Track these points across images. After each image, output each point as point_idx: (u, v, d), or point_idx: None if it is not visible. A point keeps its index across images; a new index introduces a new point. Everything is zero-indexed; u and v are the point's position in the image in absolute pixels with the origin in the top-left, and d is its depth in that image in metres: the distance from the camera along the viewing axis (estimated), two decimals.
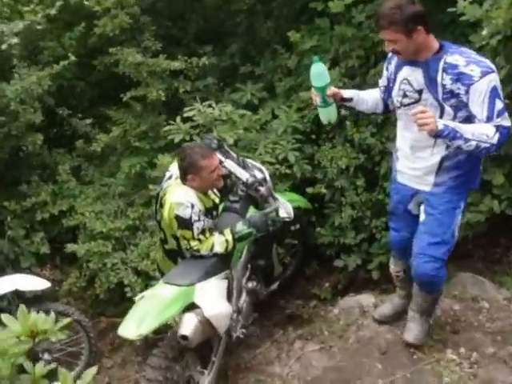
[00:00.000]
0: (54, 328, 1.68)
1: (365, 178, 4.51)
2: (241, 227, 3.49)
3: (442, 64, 2.91)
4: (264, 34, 5.30)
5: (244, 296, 3.79)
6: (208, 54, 5.14)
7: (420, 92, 3.03)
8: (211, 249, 3.42)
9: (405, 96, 3.10)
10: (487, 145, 2.85)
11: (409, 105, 3.09)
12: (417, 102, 3.04)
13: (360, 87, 4.62)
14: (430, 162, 3.14)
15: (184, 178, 3.38)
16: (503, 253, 4.52)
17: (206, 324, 3.15)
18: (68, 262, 4.99)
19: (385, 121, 4.47)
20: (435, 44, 2.96)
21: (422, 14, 2.89)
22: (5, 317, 1.70)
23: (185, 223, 3.33)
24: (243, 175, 3.83)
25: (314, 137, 4.69)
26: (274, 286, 4.40)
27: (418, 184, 3.25)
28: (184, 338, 3.09)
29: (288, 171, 4.39)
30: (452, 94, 2.91)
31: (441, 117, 2.97)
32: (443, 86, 2.92)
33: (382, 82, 3.35)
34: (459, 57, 2.89)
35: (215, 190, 3.66)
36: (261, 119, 4.72)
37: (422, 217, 3.27)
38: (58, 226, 4.96)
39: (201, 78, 5.15)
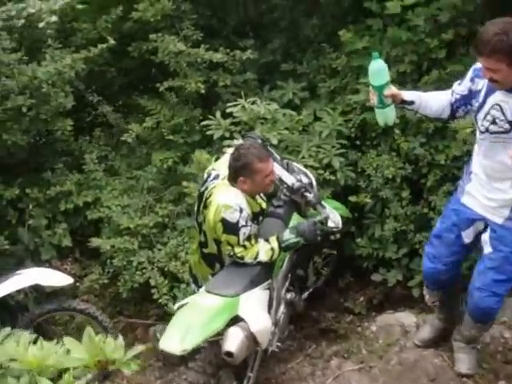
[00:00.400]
0: (124, 357, 1.42)
1: (410, 190, 4.28)
2: (288, 235, 3.25)
3: None
4: (308, 31, 5.05)
5: (282, 307, 3.55)
6: (249, 48, 4.89)
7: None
8: (256, 257, 3.19)
9: (494, 123, 2.83)
10: None
11: (496, 133, 2.83)
12: (506, 132, 2.79)
13: None
14: (509, 196, 2.90)
15: (234, 179, 3.14)
16: None
17: (251, 339, 2.92)
18: (89, 256, 4.73)
19: (435, 131, 4.23)
20: None
21: None
22: (68, 341, 1.44)
23: (231, 228, 3.10)
24: (289, 179, 3.59)
25: (358, 142, 4.46)
26: (305, 295, 4.16)
27: (490, 214, 3.00)
28: (229, 354, 2.85)
29: (331, 177, 4.15)
30: None
31: None
32: None
33: (461, 89, 3.02)
34: None
35: (262, 194, 3.42)
36: (303, 120, 4.47)
37: (489, 250, 3.03)
38: (81, 218, 4.70)
39: (240, 73, 4.89)
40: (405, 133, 4.30)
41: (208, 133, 4.27)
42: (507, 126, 2.77)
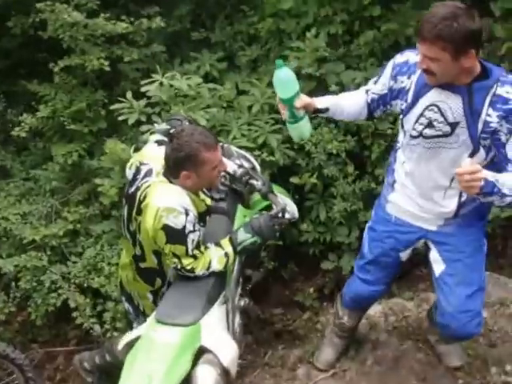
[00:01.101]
0: None
1: (353, 165, 3.86)
2: (243, 236, 2.70)
3: (490, 96, 2.22)
4: None
5: (237, 318, 3.00)
6: (153, 17, 4.22)
7: (455, 125, 2.29)
8: (208, 267, 2.61)
9: (429, 126, 2.35)
10: None
11: (433, 137, 2.36)
12: (445, 136, 2.33)
13: (344, 59, 4.02)
14: (442, 209, 2.49)
15: (175, 173, 2.54)
16: (505, 244, 4.06)
17: (224, 375, 2.36)
18: None
19: None
20: (477, 66, 2.25)
21: (479, 33, 2.16)
22: None
23: (177, 235, 2.50)
24: (228, 165, 3.02)
25: None
26: None
27: (427, 223, 2.58)
28: None
29: (271, 158, 3.63)
30: (491, 134, 2.25)
31: (471, 157, 2.31)
32: (486, 122, 2.24)
33: (378, 88, 2.56)
34: (511, 88, 2.22)
35: (205, 189, 2.84)
36: (227, 95, 3.90)
37: (442, 267, 2.59)
38: None
39: (146, 46, 4.21)
40: None
41: (120, 118, 3.60)
42: (447, 128, 2.32)
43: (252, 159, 3.23)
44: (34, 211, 3.82)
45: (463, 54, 2.13)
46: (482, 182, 2.08)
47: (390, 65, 2.51)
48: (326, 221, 3.86)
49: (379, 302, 3.56)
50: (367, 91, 2.62)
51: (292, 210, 3.09)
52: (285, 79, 2.45)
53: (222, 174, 2.96)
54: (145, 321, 2.88)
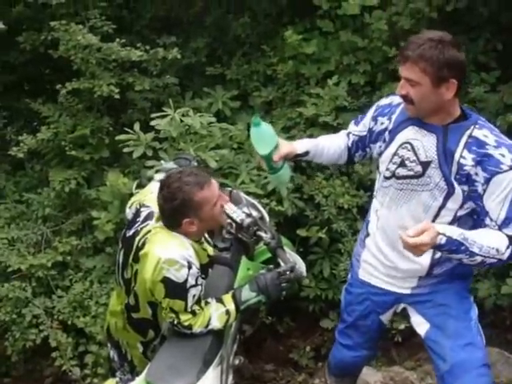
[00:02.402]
0: None
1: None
2: (248, 294, 2.49)
3: (466, 137, 2.11)
4: (239, 30, 4.31)
5: (230, 378, 2.77)
6: (169, 47, 4.07)
7: (426, 165, 2.18)
8: (207, 324, 2.40)
9: (402, 165, 2.24)
10: (494, 260, 2.11)
11: (404, 178, 2.24)
12: (417, 177, 2.20)
13: (364, 109, 3.87)
14: (415, 265, 2.33)
15: (175, 223, 2.33)
16: None
17: None
18: None
19: None
20: (457, 109, 2.17)
21: (463, 66, 2.10)
22: None
23: (177, 290, 2.29)
24: (236, 213, 2.81)
25: (303, 164, 3.77)
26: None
27: (395, 286, 2.44)
28: None
29: (279, 208, 3.45)
30: (466, 179, 2.13)
31: (445, 203, 2.19)
32: (460, 165, 2.11)
33: (358, 129, 2.50)
34: (489, 133, 2.11)
35: (207, 235, 2.63)
36: (238, 136, 3.73)
37: (426, 327, 2.41)
38: None
39: (158, 76, 4.05)
40: None
41: (125, 150, 3.41)
42: (419, 168, 2.19)
43: (261, 209, 3.05)
44: (23, 237, 3.59)
45: (444, 81, 2.04)
46: (444, 240, 2.00)
47: (373, 107, 2.46)
48: (329, 277, 3.67)
49: (378, 369, 3.38)
50: (348, 134, 2.54)
51: (301, 267, 2.88)
52: (262, 136, 2.42)
53: (228, 221, 2.78)
54: (130, 371, 2.67)
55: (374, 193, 2.47)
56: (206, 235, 2.62)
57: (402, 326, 3.45)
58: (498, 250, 2.09)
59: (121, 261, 2.51)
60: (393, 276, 2.42)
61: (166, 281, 2.27)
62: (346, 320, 2.69)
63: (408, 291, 2.41)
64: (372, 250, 2.48)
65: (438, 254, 2.27)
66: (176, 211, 2.31)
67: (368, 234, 2.49)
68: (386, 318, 2.58)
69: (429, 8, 3.63)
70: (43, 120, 3.86)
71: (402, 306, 2.50)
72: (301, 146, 2.52)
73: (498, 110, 3.62)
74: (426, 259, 2.30)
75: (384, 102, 2.42)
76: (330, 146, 2.56)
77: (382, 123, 2.35)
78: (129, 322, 2.55)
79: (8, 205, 3.80)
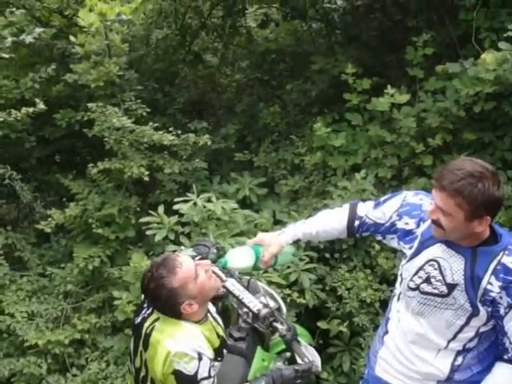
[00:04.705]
0: None
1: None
2: None
3: (494, 263, 2.06)
4: (269, 118, 4.42)
5: None
6: (200, 132, 4.18)
7: (452, 287, 2.11)
8: None
9: (427, 282, 2.17)
10: None
11: (429, 294, 2.18)
12: (442, 296, 2.14)
13: None
14: (435, 369, 2.26)
15: (176, 314, 2.31)
16: None
17: None
18: None
19: None
20: (487, 232, 2.10)
21: (499, 203, 2.03)
22: None
23: (188, 382, 2.25)
24: (252, 303, 2.78)
25: (327, 255, 3.76)
26: None
27: None
28: None
29: (301, 300, 3.42)
30: (491, 303, 2.08)
31: (468, 322, 2.14)
32: (486, 290, 2.06)
33: (377, 215, 2.38)
34: None
35: (214, 314, 2.59)
36: (264, 224, 3.75)
37: None
38: None
39: (188, 160, 4.13)
40: (383, 247, 3.68)
41: (148, 232, 3.45)
42: (444, 289, 2.13)
43: (279, 299, 3.01)
44: (43, 312, 3.59)
45: (478, 217, 1.97)
46: None
47: (398, 198, 2.34)
48: (348, 372, 3.58)
49: None
50: (358, 216, 2.43)
51: (315, 362, 2.83)
52: (236, 264, 2.56)
53: (245, 310, 2.77)
54: None
55: (396, 291, 2.40)
56: (214, 314, 2.59)
57: None
58: None
59: (132, 349, 2.48)
60: (410, 377, 2.34)
61: (177, 373, 2.22)
62: None
63: None
64: (390, 348, 2.41)
65: (459, 361, 2.23)
66: (168, 305, 2.28)
67: (387, 332, 2.44)
68: None
69: (457, 107, 3.69)
70: (72, 195, 3.94)
71: None
72: (290, 235, 2.51)
73: None
74: (446, 364, 2.25)
75: (413, 200, 2.31)
76: (326, 228, 2.50)
77: (407, 223, 2.27)
78: None
79: (31, 277, 3.82)
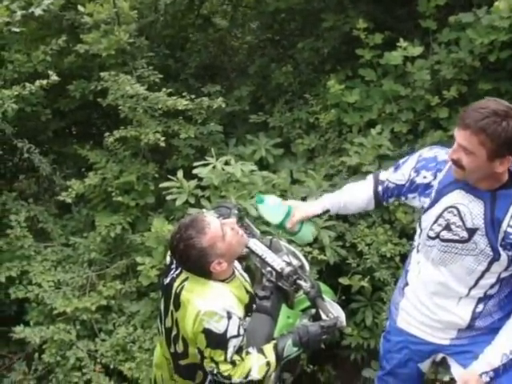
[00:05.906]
0: None
1: None
2: (290, 349, 2.47)
3: None
4: (282, 78, 4.39)
5: None
6: (214, 95, 4.17)
7: (472, 232, 2.14)
8: (247, 375, 2.39)
9: (447, 229, 2.20)
10: None
11: (449, 241, 2.20)
12: (462, 241, 2.17)
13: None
14: (456, 317, 2.31)
15: (207, 274, 2.35)
16: None
17: None
18: (8, 344, 3.76)
19: None
20: (506, 175, 2.11)
21: None
22: None
23: (217, 340, 2.29)
24: (276, 262, 2.82)
25: None
26: None
27: (439, 338, 2.41)
28: None
29: (322, 256, 3.44)
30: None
31: (489, 267, 2.16)
32: (507, 233, 2.08)
33: (397, 177, 2.43)
34: None
35: (241, 271, 2.63)
36: (282, 184, 3.76)
37: None
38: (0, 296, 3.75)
39: (203, 124, 4.13)
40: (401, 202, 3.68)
41: (168, 197, 3.48)
42: (465, 234, 2.15)
43: (301, 257, 3.03)
44: (69, 280, 3.66)
45: (500, 156, 1.99)
46: (490, 375, 2.15)
47: (414, 157, 2.39)
48: (371, 326, 3.63)
49: None
50: (380, 181, 2.50)
51: (340, 317, 2.86)
52: (269, 210, 2.59)
53: (268, 269, 2.81)
54: None
55: (415, 243, 2.43)
56: (241, 271, 2.63)
57: (447, 378, 3.37)
58: None
59: (162, 310, 2.54)
60: (431, 326, 2.40)
61: (207, 332, 2.27)
62: (384, 367, 2.68)
63: (447, 342, 2.39)
64: (411, 299, 2.46)
65: (480, 308, 2.26)
66: (198, 265, 2.32)
67: (407, 284, 2.48)
68: (424, 366, 2.56)
69: (471, 57, 3.63)
70: (90, 165, 3.98)
71: (440, 355, 2.47)
72: (320, 206, 2.56)
73: None
74: (467, 312, 2.29)
75: (428, 154, 2.35)
76: (353, 199, 2.56)
77: (425, 177, 2.30)
78: (176, 370, 2.56)
79: (55, 248, 3.88)
